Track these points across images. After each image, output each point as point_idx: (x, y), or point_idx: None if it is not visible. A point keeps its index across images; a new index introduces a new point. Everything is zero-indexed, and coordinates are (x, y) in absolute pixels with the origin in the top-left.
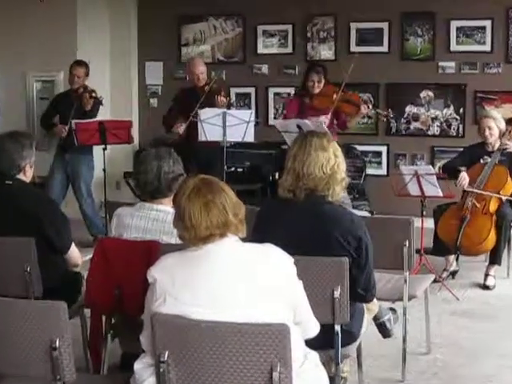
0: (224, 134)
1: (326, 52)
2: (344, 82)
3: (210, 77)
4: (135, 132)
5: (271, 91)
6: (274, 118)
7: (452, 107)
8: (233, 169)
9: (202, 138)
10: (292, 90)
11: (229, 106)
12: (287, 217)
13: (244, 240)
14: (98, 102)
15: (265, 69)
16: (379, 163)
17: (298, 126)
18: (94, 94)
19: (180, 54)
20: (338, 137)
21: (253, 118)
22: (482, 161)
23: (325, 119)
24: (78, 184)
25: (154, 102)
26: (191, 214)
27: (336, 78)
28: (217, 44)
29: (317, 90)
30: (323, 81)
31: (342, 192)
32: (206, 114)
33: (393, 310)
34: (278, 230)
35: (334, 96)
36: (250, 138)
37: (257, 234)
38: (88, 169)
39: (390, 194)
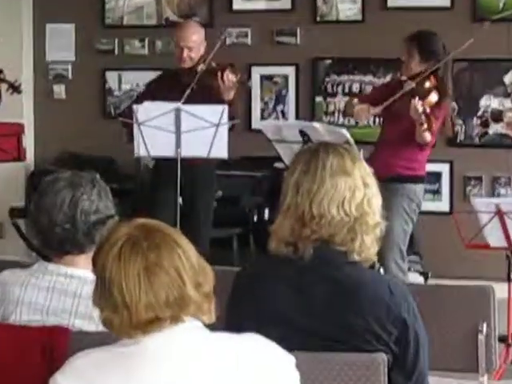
0: (177, 146)
1: (346, 7)
2: (439, 64)
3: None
4: (29, 142)
5: (256, 72)
6: (262, 117)
7: None
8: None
9: (139, 151)
10: (291, 70)
11: (243, 86)
12: (283, 287)
13: (212, 327)
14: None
15: (246, 36)
16: (437, 192)
17: (302, 133)
18: (2, 76)
19: (104, 13)
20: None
21: (225, 119)
22: None
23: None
24: None
25: (60, 90)
26: (123, 285)
27: (363, 50)
28: None
29: (404, 74)
30: (417, 58)
31: (376, 246)
32: (146, 111)
33: None
34: (269, 309)
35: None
36: (220, 151)
37: (233, 315)
38: None
39: (455, 244)
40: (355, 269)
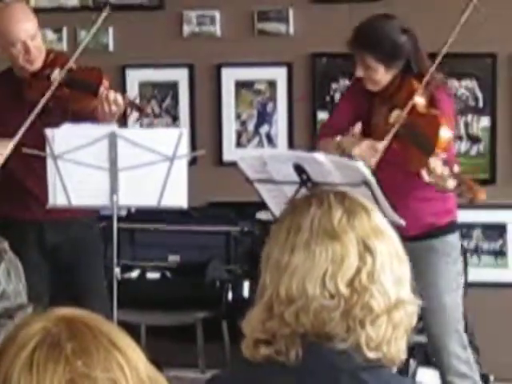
0: (112, 190)
1: None
2: (436, 63)
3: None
4: None
5: (229, 77)
6: (238, 144)
7: None
8: (136, 273)
9: (55, 199)
10: (281, 73)
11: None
12: None
13: None
14: None
15: (212, 22)
16: (500, 254)
17: (298, 169)
18: None
19: None
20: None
21: (184, 149)
22: None
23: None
24: None
25: None
26: None
27: None
28: None
29: (370, 86)
30: (381, 66)
31: (403, 339)
32: (65, 138)
33: None
34: None
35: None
36: (177, 197)
37: None
38: None
39: None
40: (375, 376)
